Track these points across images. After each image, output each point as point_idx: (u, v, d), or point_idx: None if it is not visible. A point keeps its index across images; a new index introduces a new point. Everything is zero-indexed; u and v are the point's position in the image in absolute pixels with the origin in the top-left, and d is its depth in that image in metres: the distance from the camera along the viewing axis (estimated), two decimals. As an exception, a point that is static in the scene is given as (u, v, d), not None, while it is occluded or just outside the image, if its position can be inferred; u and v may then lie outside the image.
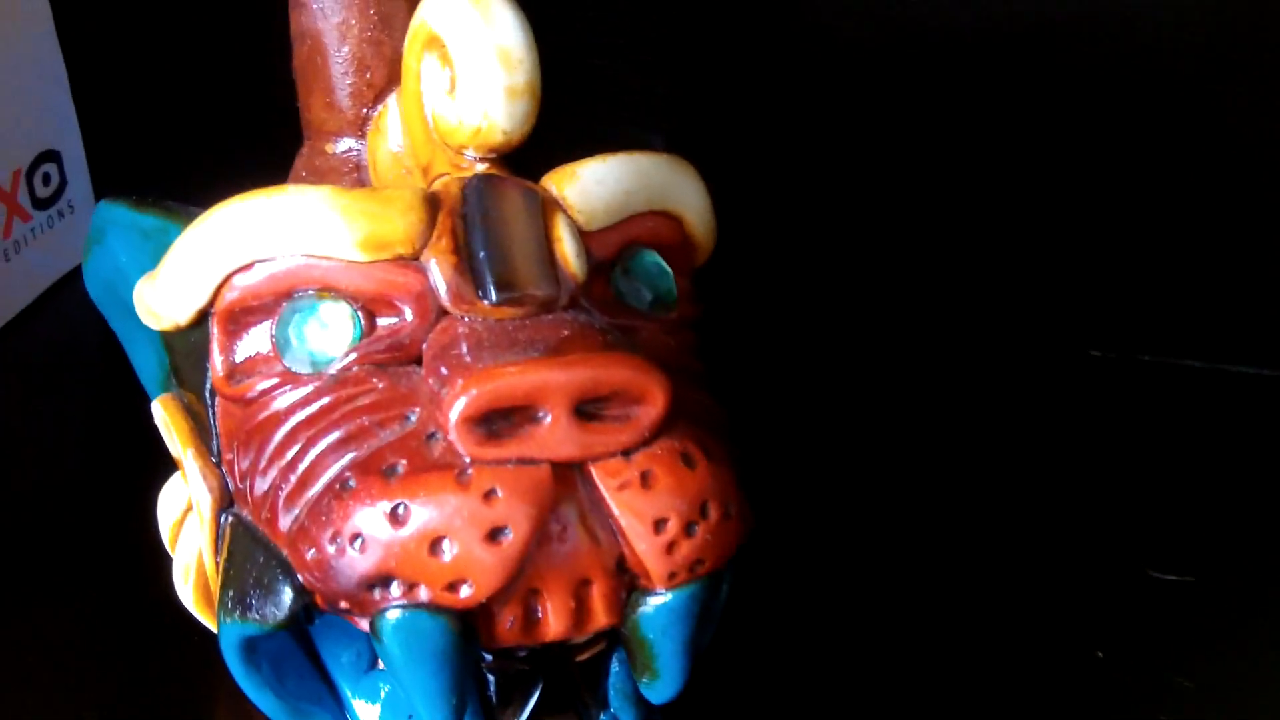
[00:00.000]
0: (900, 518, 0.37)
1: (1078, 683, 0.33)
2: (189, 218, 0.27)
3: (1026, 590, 0.35)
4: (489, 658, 0.26)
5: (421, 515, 0.23)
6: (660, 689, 0.26)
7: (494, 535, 0.23)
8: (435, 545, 0.23)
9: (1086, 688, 0.33)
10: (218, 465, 0.27)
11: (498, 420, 0.23)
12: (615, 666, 0.27)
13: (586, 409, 0.24)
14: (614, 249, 0.27)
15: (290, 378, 0.26)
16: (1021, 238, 0.48)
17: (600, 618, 0.25)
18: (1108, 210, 0.49)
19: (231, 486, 0.27)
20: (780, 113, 0.51)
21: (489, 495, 0.23)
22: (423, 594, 0.23)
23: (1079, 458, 0.40)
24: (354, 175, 0.30)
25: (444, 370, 0.24)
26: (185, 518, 0.29)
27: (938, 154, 0.50)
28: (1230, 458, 0.40)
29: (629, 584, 0.25)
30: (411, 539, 0.23)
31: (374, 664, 0.28)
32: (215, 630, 0.27)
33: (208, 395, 0.27)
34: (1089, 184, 0.49)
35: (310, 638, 0.28)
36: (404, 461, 0.24)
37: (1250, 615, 0.35)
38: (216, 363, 0.26)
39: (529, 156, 0.27)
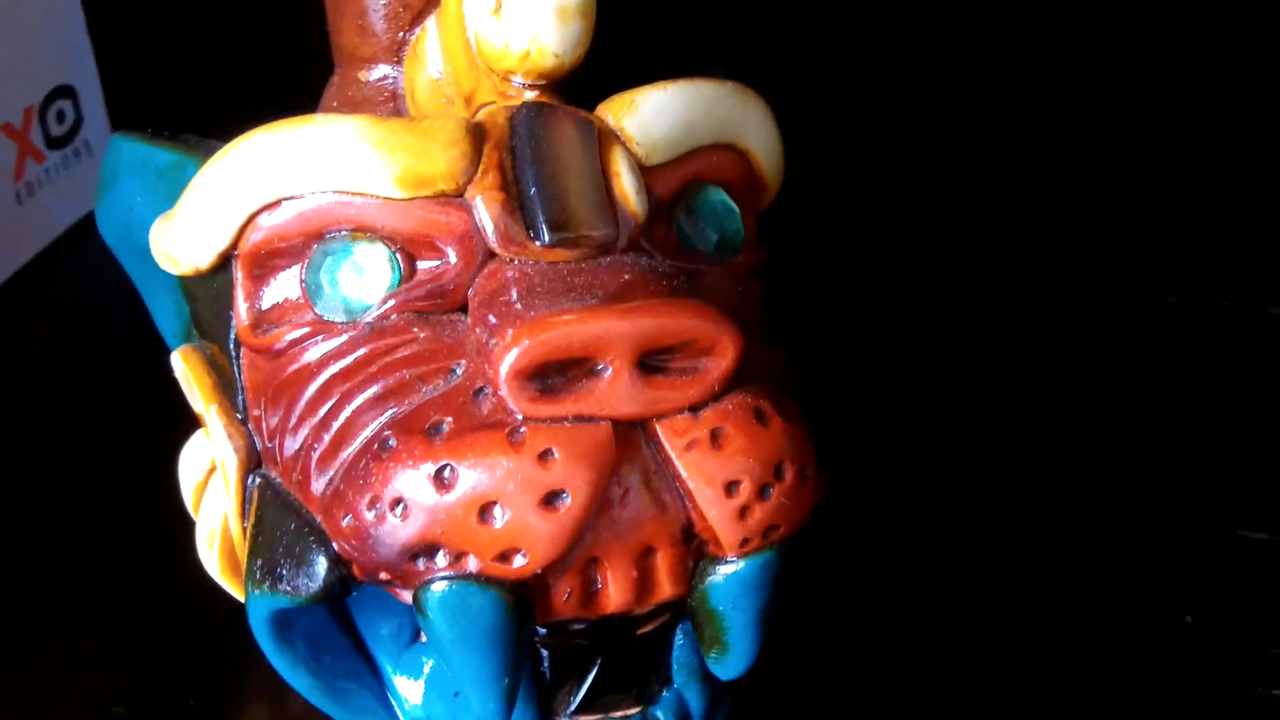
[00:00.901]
0: (976, 477, 0.36)
1: (1165, 648, 0.32)
2: (208, 153, 0.26)
3: (1110, 552, 0.34)
4: (543, 632, 0.25)
5: (470, 479, 0.22)
6: (730, 664, 0.25)
7: (550, 500, 0.22)
8: (485, 511, 0.22)
9: (1174, 653, 0.32)
10: (243, 423, 0.26)
11: (553, 374, 0.22)
12: (680, 640, 0.26)
13: (650, 361, 0.23)
14: (676, 186, 0.26)
15: (323, 327, 0.25)
16: (1097, 182, 0.47)
17: (665, 588, 0.24)
18: (1186, 154, 0.48)
19: (259, 446, 0.26)
20: (852, 41, 0.50)
21: (544, 456, 0.22)
22: (471, 564, 0.22)
23: (1160, 410, 0.39)
24: (390, 105, 0.29)
25: (492, 319, 0.23)
26: (209, 479, 0.28)
27: (1014, 92, 0.50)
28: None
29: (696, 552, 0.24)
30: (459, 504, 0.22)
31: (416, 637, 0.27)
32: (243, 600, 0.26)
33: (232, 346, 0.26)
34: (1168, 127, 0.49)
35: (347, 609, 0.27)
36: (449, 419, 0.23)
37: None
38: (241, 311, 0.25)
39: (582, 84, 0.26)
